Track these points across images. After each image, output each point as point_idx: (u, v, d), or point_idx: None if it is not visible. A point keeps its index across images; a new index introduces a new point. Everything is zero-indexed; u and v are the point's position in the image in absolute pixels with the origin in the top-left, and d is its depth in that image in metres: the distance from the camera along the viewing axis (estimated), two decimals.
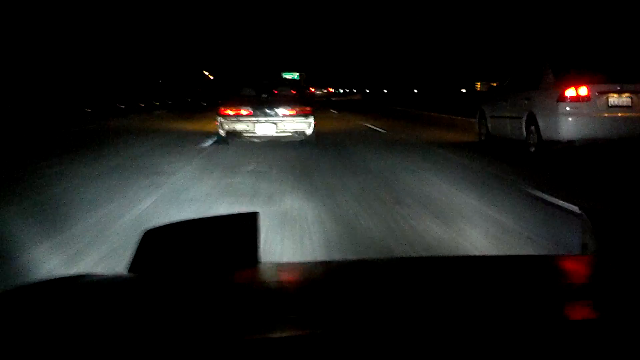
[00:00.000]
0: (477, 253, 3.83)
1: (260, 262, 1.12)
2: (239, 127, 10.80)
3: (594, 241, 1.17)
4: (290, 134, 10.94)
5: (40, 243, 3.94)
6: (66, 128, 15.68)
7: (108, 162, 8.37)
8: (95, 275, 1.02)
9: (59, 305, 0.84)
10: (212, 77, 45.19)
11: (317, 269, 1.11)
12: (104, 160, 8.62)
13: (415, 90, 37.05)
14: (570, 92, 8.82)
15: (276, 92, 12.13)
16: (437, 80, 32.46)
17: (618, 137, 8.83)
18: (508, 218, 4.76)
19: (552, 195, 5.62)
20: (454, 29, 30.81)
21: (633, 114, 8.82)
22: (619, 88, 8.86)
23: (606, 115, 8.82)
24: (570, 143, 8.85)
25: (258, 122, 10.85)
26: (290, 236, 4.21)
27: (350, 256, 3.69)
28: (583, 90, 8.80)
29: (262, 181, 6.75)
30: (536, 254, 3.77)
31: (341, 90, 49.50)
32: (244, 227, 1.19)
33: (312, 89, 31.76)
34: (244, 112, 10.85)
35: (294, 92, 12.49)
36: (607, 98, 8.83)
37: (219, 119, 10.77)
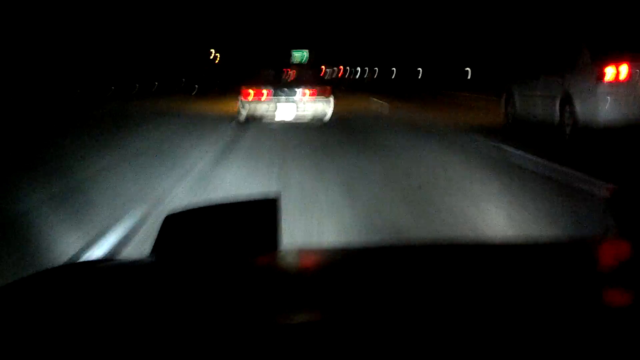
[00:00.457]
0: None
1: (281, 248, 1.11)
2: (260, 108, 10.75)
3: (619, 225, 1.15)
4: (310, 116, 10.80)
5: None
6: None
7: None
8: (116, 260, 1.05)
9: (81, 289, 0.85)
10: (218, 55, 44.38)
11: (337, 255, 1.11)
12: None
13: (420, 69, 36.58)
14: (610, 72, 8.43)
15: (294, 71, 11.95)
16: (443, 59, 32.02)
17: None
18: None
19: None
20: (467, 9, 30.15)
21: None
22: None
23: None
24: (609, 125, 8.47)
25: (279, 101, 10.66)
26: None
27: None
28: (624, 70, 8.40)
29: None
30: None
31: (358, 69, 48.54)
32: (265, 212, 1.17)
33: (323, 67, 31.27)
34: (264, 92, 10.75)
35: (313, 72, 12.43)
36: None
37: (241, 100, 10.79)
